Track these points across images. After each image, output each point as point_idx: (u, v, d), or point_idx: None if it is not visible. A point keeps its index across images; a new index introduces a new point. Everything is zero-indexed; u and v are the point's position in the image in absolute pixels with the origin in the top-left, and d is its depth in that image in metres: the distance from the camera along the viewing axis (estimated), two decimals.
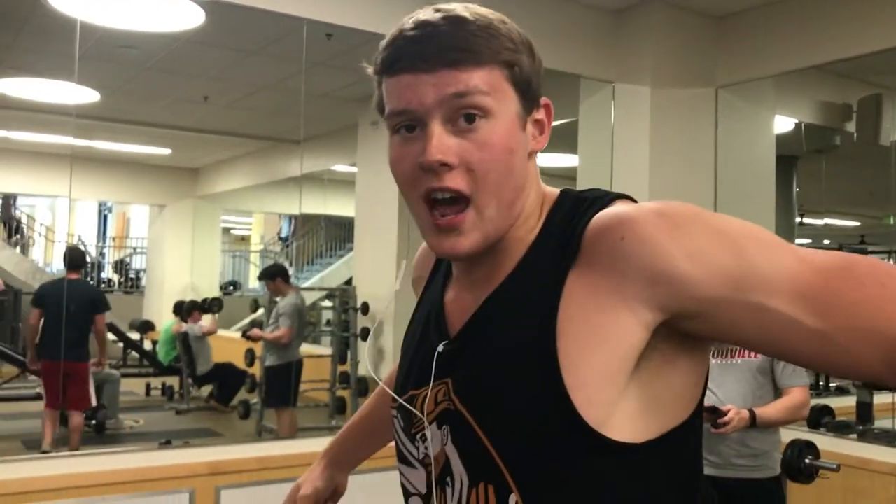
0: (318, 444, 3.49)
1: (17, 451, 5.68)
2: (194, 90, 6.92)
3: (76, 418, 5.54)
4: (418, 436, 0.88)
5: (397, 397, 0.91)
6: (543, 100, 0.86)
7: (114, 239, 14.95)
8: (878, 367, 0.68)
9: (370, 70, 0.85)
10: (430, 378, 0.86)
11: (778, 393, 2.94)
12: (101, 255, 14.10)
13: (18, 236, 11.91)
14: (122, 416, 6.98)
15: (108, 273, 13.63)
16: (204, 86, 6.78)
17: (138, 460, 3.30)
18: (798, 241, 7.61)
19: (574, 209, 0.82)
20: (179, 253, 10.36)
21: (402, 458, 0.92)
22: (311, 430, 5.74)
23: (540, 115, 0.86)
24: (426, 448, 0.86)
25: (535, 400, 0.75)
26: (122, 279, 13.24)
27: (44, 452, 5.27)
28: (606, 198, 0.82)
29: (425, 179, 0.79)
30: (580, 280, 0.76)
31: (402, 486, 0.93)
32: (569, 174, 5.47)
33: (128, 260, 13.76)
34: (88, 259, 12.50)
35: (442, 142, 0.78)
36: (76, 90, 5.62)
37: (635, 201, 0.82)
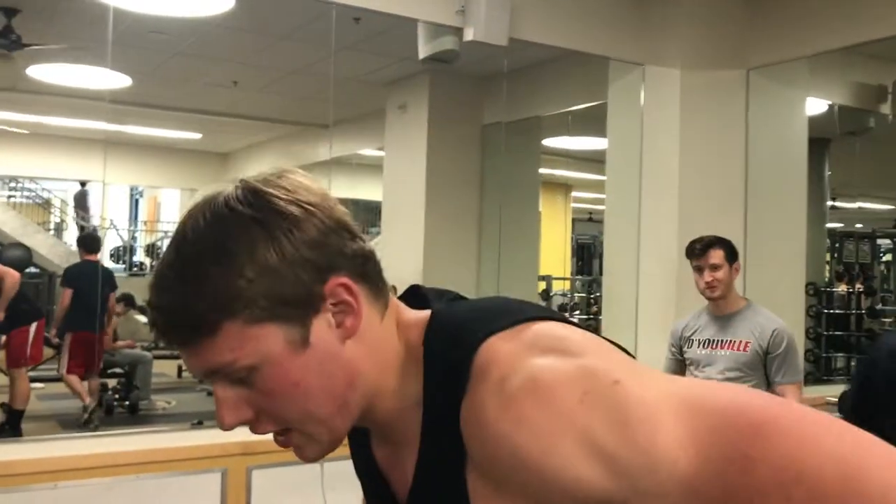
0: None
1: (53, 430, 5.80)
2: (224, 75, 6.97)
3: (96, 381, 6.21)
4: None
5: None
6: (330, 284, 0.72)
7: (145, 223, 15.13)
8: None
9: None
10: None
11: (770, 390, 2.93)
12: (133, 238, 14.28)
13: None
14: (155, 397, 7.10)
15: (140, 256, 13.80)
16: (233, 70, 6.82)
17: (171, 440, 3.36)
18: (830, 224, 7.52)
19: (441, 388, 0.73)
20: None
21: None
22: None
23: (334, 298, 0.72)
24: None
25: None
26: (154, 262, 13.39)
27: (85, 409, 5.82)
28: (465, 363, 0.70)
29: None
30: (478, 488, 0.70)
31: None
32: (597, 157, 5.44)
33: (159, 244, 13.92)
34: (119, 242, 12.72)
35: (229, 405, 0.72)
36: (109, 75, 5.68)
37: (507, 316, 0.73)
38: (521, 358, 0.68)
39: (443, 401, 0.72)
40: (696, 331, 3.19)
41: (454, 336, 0.74)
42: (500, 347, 0.70)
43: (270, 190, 0.72)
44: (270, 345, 0.70)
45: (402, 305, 0.82)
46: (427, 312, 0.79)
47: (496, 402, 0.67)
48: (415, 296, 0.85)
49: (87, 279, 5.97)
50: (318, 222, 0.72)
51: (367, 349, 0.74)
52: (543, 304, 6.52)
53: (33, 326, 5.69)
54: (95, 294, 5.77)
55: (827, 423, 0.62)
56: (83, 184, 11.95)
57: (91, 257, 6.33)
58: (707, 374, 3.03)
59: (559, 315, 0.77)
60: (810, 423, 0.61)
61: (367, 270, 0.76)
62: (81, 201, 12.01)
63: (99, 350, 6.25)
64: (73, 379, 6.01)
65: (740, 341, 3.04)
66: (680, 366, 3.24)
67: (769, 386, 2.98)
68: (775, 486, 0.59)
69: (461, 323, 0.75)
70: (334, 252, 0.73)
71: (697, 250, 3.12)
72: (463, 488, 0.71)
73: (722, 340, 3.08)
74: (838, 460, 0.59)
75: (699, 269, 3.12)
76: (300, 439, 0.75)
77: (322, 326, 0.72)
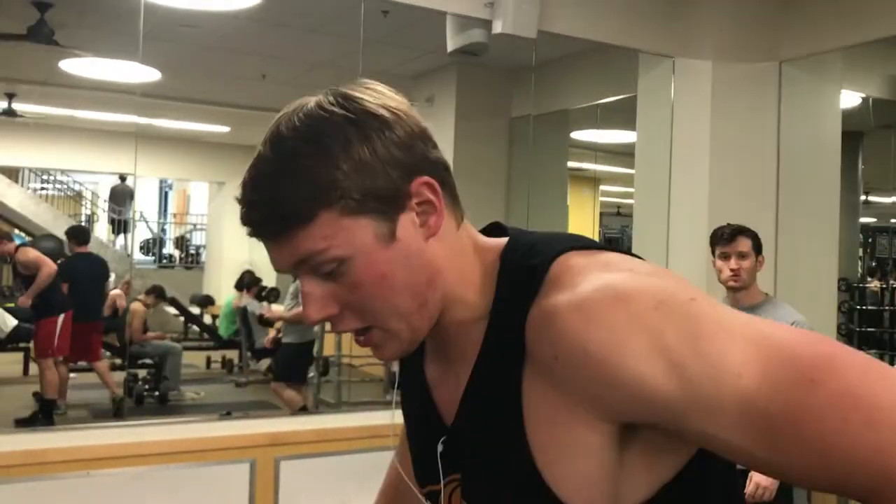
0: (374, 418, 3.55)
1: (85, 419, 5.89)
2: (253, 68, 7.00)
3: (104, 363, 6.33)
4: None
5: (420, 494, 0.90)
6: (415, 183, 0.75)
7: (174, 215, 15.28)
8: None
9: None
10: (440, 477, 0.83)
11: None
12: (163, 231, 14.42)
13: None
14: (184, 388, 7.17)
15: (169, 249, 13.94)
16: (262, 64, 6.85)
17: (201, 430, 3.39)
18: (863, 219, 7.41)
19: (513, 291, 0.75)
20: (238, 229, 10.46)
21: None
22: (367, 404, 5.82)
23: (416, 199, 0.75)
24: None
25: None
26: (183, 255, 13.52)
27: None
28: (540, 270, 0.73)
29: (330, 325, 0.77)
30: (533, 389, 0.72)
31: None
32: (626, 150, 5.40)
33: (188, 236, 14.04)
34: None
35: (315, 298, 0.74)
36: (139, 69, 5.73)
37: (582, 244, 0.75)
38: (597, 270, 0.71)
39: (511, 306, 0.74)
40: None
41: (531, 249, 0.77)
42: (576, 261, 0.73)
43: (360, 94, 0.76)
44: (361, 237, 0.72)
45: (477, 232, 0.85)
46: (503, 239, 0.82)
47: (569, 303, 0.69)
48: (493, 230, 0.88)
49: (82, 272, 6.16)
50: (406, 126, 0.76)
51: (446, 252, 0.78)
52: None
53: (61, 318, 5.74)
54: (90, 286, 6.01)
55: (886, 366, 0.65)
56: (123, 178, 12.11)
57: (82, 249, 6.39)
58: None
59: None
60: (871, 362, 0.64)
61: (447, 179, 0.80)
62: (118, 196, 12.18)
63: (96, 339, 6.35)
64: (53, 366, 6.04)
65: None
66: None
67: None
68: (833, 409, 0.61)
69: (539, 240, 0.79)
70: (419, 156, 0.76)
71: (726, 236, 3.01)
72: (517, 393, 0.72)
73: None
74: (894, 394, 0.61)
75: (725, 257, 3.00)
76: (380, 337, 0.76)
77: (408, 224, 0.75)
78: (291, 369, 6.03)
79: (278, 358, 6.42)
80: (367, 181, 0.73)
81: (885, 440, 0.60)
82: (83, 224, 12.30)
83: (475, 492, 0.80)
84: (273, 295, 8.31)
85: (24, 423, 5.30)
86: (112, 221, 12.48)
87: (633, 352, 0.65)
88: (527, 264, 0.75)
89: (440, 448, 0.83)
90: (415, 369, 0.89)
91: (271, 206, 0.73)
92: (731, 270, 2.99)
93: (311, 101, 0.77)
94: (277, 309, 6.95)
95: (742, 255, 2.99)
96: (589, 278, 0.70)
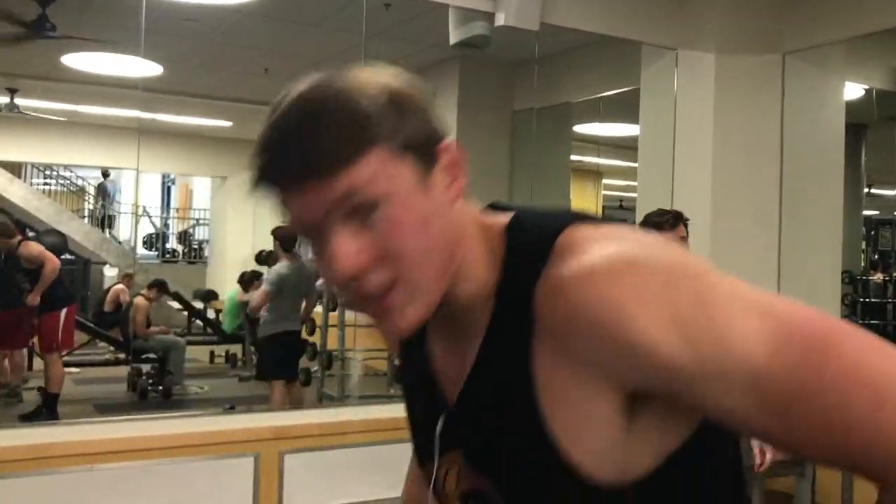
0: (378, 412, 3.55)
1: (90, 414, 5.90)
2: (255, 62, 7.00)
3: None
4: None
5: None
6: (444, 143, 0.76)
7: (177, 210, 15.27)
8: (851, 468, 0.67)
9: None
10: (437, 452, 0.85)
11: None
12: (166, 225, 14.43)
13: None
14: (188, 382, 7.18)
15: (173, 244, 13.95)
16: (264, 58, 6.85)
17: (205, 424, 3.40)
18: (866, 212, 7.39)
19: (521, 266, 0.75)
20: (241, 224, 10.54)
21: None
22: (371, 398, 5.82)
23: (445, 160, 0.76)
24: None
25: (545, 476, 0.74)
26: (186, 249, 13.53)
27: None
28: (546, 242, 0.73)
29: (350, 286, 0.73)
30: (544, 357, 0.72)
31: None
32: (629, 144, 5.39)
33: (191, 231, 14.05)
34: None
35: (347, 249, 0.71)
36: (141, 64, 5.73)
37: (587, 218, 0.76)
38: (604, 240, 0.71)
39: (520, 280, 0.74)
40: None
41: (537, 224, 0.77)
42: (582, 232, 0.73)
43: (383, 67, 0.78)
44: (402, 180, 0.72)
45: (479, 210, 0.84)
46: (506, 215, 0.81)
47: (579, 271, 0.69)
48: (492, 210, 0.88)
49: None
50: (430, 96, 0.77)
51: (464, 222, 0.78)
52: None
53: (63, 312, 5.75)
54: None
55: (884, 344, 0.66)
56: (105, 174, 12.20)
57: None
58: None
59: None
60: (872, 338, 0.66)
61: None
62: (103, 192, 12.33)
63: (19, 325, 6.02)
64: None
65: None
66: None
67: None
68: (838, 384, 0.63)
69: (544, 214, 0.80)
70: (442, 122, 0.77)
71: (670, 221, 2.94)
72: (528, 366, 0.72)
73: None
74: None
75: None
76: (402, 298, 0.73)
77: (439, 180, 0.75)
78: (267, 365, 5.82)
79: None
80: (407, 128, 0.73)
81: (887, 419, 0.62)
82: (86, 219, 12.33)
83: (482, 465, 0.80)
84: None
85: (29, 419, 5.32)
86: (91, 215, 12.55)
87: (645, 318, 0.66)
88: (533, 238, 0.75)
89: (440, 425, 0.83)
90: (416, 353, 0.89)
91: (315, 143, 0.70)
92: None
93: (339, 66, 0.77)
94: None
95: (684, 241, 2.99)
96: (596, 247, 0.70)
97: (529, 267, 0.73)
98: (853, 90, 5.20)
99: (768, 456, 2.84)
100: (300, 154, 0.71)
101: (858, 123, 6.00)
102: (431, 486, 0.86)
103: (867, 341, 0.66)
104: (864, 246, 7.54)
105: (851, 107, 5.02)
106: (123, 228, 14.12)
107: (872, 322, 6.64)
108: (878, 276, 7.01)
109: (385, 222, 0.71)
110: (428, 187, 0.74)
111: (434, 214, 0.74)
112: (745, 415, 0.66)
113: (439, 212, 0.74)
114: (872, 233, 7.75)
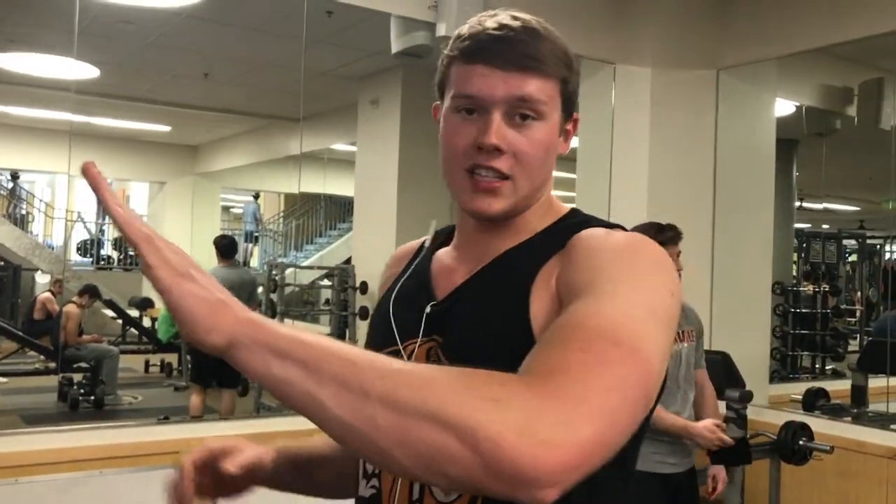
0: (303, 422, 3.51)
1: (16, 425, 5.71)
2: (194, 67, 6.89)
3: None
4: None
5: (399, 344, 1.00)
6: (575, 115, 0.99)
7: None
8: None
9: (444, 50, 0.98)
10: (419, 333, 0.97)
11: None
12: (101, 231, 14.08)
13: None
14: (121, 391, 7.02)
15: (108, 250, 13.63)
16: (204, 62, 6.76)
17: (136, 435, 3.32)
18: (797, 225, 7.62)
19: (576, 224, 0.96)
20: (179, 230, 10.36)
21: None
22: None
23: (569, 125, 0.99)
24: None
25: (517, 363, 0.77)
26: (122, 256, 13.23)
27: None
28: (602, 223, 0.97)
29: (476, 156, 0.92)
30: (549, 267, 0.91)
31: None
32: (568, 156, 5.45)
33: None
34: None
35: (500, 130, 0.91)
36: (75, 66, 5.59)
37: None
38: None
39: (564, 229, 0.95)
40: None
41: (593, 216, 1.01)
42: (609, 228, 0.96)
43: None
44: (556, 113, 0.95)
45: None
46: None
47: (603, 229, 0.93)
48: None
49: None
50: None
51: (551, 173, 1.00)
52: None
53: None
54: None
55: (638, 392, 0.70)
56: (14, 176, 11.99)
57: None
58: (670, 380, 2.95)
59: None
60: (642, 384, 0.72)
61: None
62: (13, 193, 12.19)
63: None
64: None
65: (690, 330, 2.94)
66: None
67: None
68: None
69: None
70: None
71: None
72: (537, 269, 0.91)
73: (679, 333, 2.91)
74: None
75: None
76: (508, 189, 0.93)
77: (562, 135, 0.98)
78: (199, 370, 5.60)
79: None
80: (574, 83, 0.97)
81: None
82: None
83: (460, 350, 0.92)
84: None
85: None
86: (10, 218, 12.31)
87: (609, 256, 0.85)
88: (588, 217, 0.99)
89: (428, 310, 0.98)
90: (417, 271, 1.07)
91: (536, 46, 0.91)
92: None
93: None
94: None
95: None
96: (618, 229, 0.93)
97: (580, 225, 0.95)
98: (784, 106, 5.36)
99: (720, 485, 2.96)
100: (523, 48, 0.91)
101: (790, 139, 6.18)
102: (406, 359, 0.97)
103: (632, 379, 0.69)
104: (795, 258, 7.76)
105: (783, 123, 5.18)
106: (56, 234, 13.75)
107: (803, 331, 6.84)
108: (809, 288, 7.22)
109: (531, 133, 0.92)
110: (558, 133, 0.96)
111: (553, 152, 0.96)
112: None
113: (554, 153, 0.97)
114: (804, 245, 7.97)
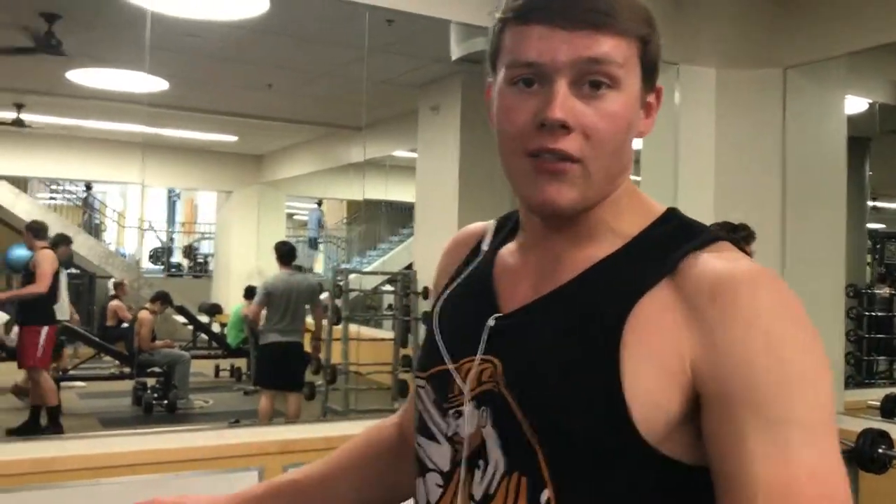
0: None
1: (94, 428, 5.91)
2: (258, 78, 7.04)
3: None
4: (451, 411, 0.83)
5: (449, 364, 0.85)
6: (658, 84, 0.83)
7: (182, 224, 15.32)
8: None
9: (496, 13, 0.80)
10: (477, 351, 0.81)
11: None
12: (171, 240, 14.47)
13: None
14: (193, 395, 7.19)
15: (178, 258, 13.98)
16: (268, 73, 6.89)
17: (209, 438, 3.40)
18: (871, 225, 7.39)
19: (677, 233, 0.79)
20: (246, 238, 10.58)
21: (425, 431, 0.87)
22: (375, 412, 5.82)
23: (652, 98, 0.83)
24: (458, 426, 0.82)
25: (591, 403, 0.72)
26: (191, 263, 13.57)
27: None
28: (708, 234, 0.79)
29: (537, 137, 0.76)
30: (654, 303, 0.73)
31: (418, 459, 0.88)
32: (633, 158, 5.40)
33: (196, 245, 14.09)
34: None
35: (566, 102, 0.74)
36: (146, 79, 5.76)
37: (733, 244, 0.80)
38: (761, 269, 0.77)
39: (669, 239, 0.78)
40: None
41: (696, 222, 0.84)
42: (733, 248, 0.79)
43: None
44: (635, 80, 0.78)
45: None
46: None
47: (755, 269, 0.74)
48: None
49: None
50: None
51: (631, 158, 0.82)
52: None
53: (45, 330, 5.51)
54: None
55: None
56: (88, 187, 12.40)
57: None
58: None
59: None
60: None
61: None
62: (87, 204, 12.64)
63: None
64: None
65: None
66: None
67: None
68: None
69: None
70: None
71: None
72: (633, 299, 0.74)
73: None
74: None
75: None
76: (577, 174, 0.76)
77: (644, 109, 0.82)
78: (256, 374, 5.80)
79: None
80: (655, 46, 0.82)
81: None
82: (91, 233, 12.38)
83: (523, 376, 0.77)
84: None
85: (18, 433, 5.27)
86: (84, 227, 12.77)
87: (796, 347, 0.70)
88: (694, 224, 0.82)
89: (491, 323, 0.81)
90: (478, 271, 0.90)
91: (604, 2, 0.75)
92: None
93: None
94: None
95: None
96: (754, 266, 0.76)
97: (685, 240, 0.77)
98: (856, 104, 5.21)
99: None
100: (590, 1, 0.75)
101: (861, 137, 6.01)
102: (459, 378, 0.82)
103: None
104: (869, 259, 7.53)
105: (854, 121, 5.03)
106: (128, 242, 14.16)
107: (878, 335, 6.63)
108: (885, 290, 7.00)
109: (605, 105, 0.75)
110: (639, 105, 0.80)
111: (632, 130, 0.79)
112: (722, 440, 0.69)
113: (634, 132, 0.80)
114: (878, 246, 7.73)
